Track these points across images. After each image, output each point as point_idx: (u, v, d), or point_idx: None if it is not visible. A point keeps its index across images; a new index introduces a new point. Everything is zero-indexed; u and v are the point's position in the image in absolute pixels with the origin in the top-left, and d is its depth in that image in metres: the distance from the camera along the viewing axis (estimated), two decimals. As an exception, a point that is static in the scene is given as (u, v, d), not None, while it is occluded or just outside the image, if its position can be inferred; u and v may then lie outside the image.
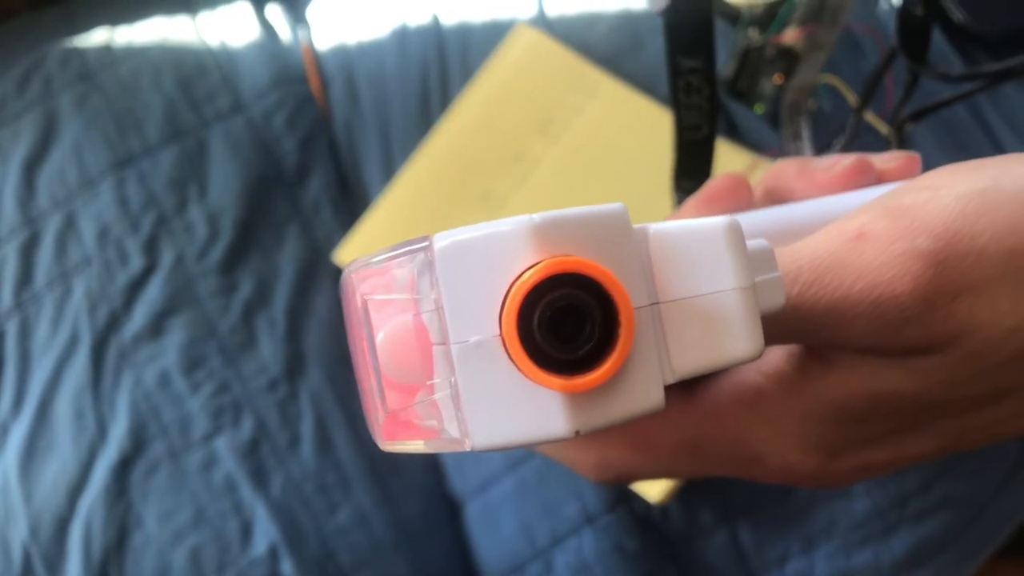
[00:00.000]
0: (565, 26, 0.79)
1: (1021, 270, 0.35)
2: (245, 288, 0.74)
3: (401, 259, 0.31)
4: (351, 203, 0.79)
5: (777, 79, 0.70)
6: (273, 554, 0.69)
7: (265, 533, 0.70)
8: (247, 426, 0.72)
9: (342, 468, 0.71)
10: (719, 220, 0.30)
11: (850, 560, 0.69)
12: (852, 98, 0.69)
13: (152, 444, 0.71)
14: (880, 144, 0.61)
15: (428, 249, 0.29)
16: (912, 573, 0.69)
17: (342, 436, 0.72)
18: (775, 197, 0.49)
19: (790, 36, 0.69)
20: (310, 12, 0.85)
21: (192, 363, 0.73)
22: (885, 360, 0.38)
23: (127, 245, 0.74)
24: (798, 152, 0.68)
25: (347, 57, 0.82)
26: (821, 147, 0.67)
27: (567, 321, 0.28)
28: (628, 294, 0.28)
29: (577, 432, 0.29)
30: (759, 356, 0.30)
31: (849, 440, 0.42)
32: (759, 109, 0.72)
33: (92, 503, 0.70)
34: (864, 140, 0.67)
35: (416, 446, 0.32)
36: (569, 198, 0.75)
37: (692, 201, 0.48)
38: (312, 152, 0.79)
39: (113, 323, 0.73)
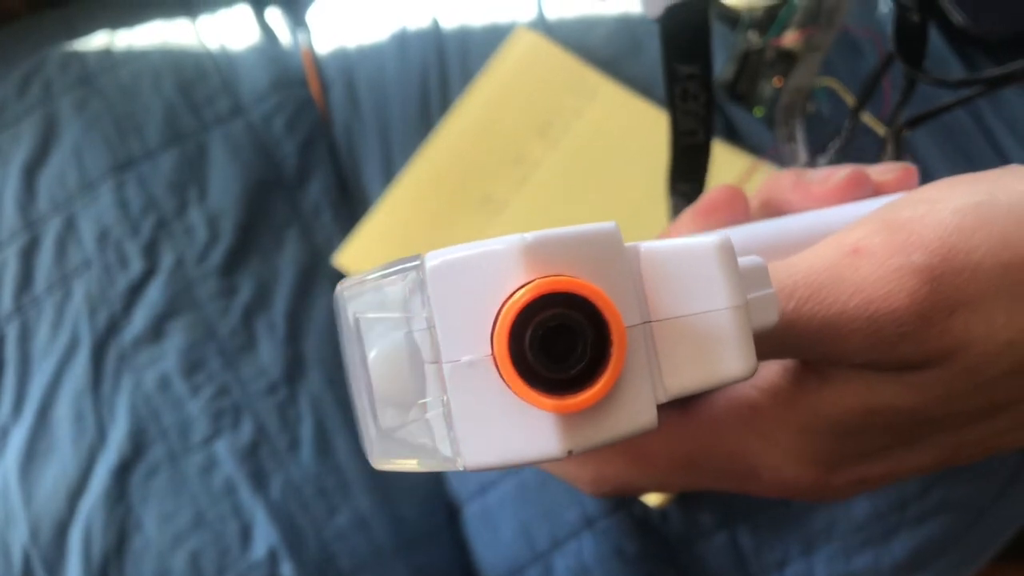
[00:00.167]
0: (564, 29, 0.79)
1: (1016, 284, 0.35)
2: (245, 291, 0.74)
3: (393, 277, 0.30)
4: (351, 206, 0.79)
5: (777, 82, 0.70)
6: (273, 557, 0.69)
7: (265, 536, 0.70)
8: (247, 429, 0.71)
9: (341, 471, 0.71)
10: (710, 239, 0.30)
11: (850, 563, 0.69)
12: (850, 100, 0.68)
13: (152, 447, 0.71)
14: (878, 146, 0.61)
15: (420, 268, 0.29)
16: (912, 577, 0.69)
17: (341, 439, 0.72)
18: (771, 209, 0.48)
19: (790, 39, 0.69)
20: (310, 15, 0.85)
21: (192, 366, 0.72)
22: (881, 375, 0.38)
23: (127, 248, 0.74)
24: (792, 154, 0.67)
25: (347, 60, 0.81)
26: (817, 149, 0.67)
27: (559, 341, 0.28)
28: (620, 313, 0.28)
29: (570, 452, 0.28)
30: (752, 375, 0.30)
31: (845, 454, 0.41)
32: (758, 112, 0.71)
33: (92, 506, 0.70)
34: (862, 142, 0.67)
35: (409, 464, 0.31)
36: (568, 201, 0.75)
37: (688, 213, 0.48)
38: (312, 155, 0.79)
39: (113, 326, 0.73)
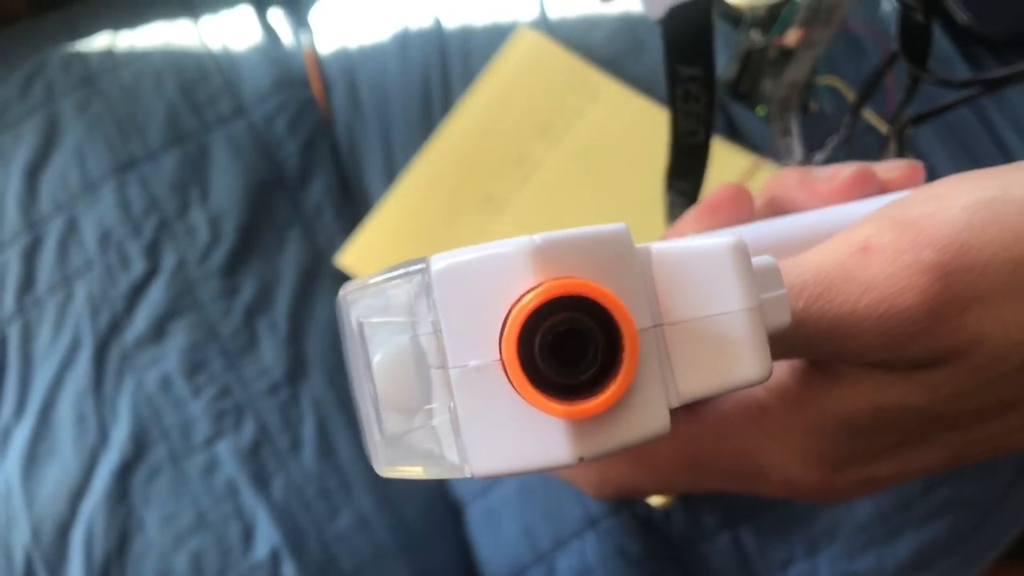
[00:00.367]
0: (567, 29, 0.78)
1: None
2: (247, 291, 0.73)
3: (397, 281, 0.29)
4: (353, 207, 0.78)
5: None
6: (275, 558, 0.68)
7: (267, 537, 0.69)
8: (248, 430, 0.71)
9: (343, 472, 0.70)
10: (724, 240, 0.29)
11: (853, 564, 0.68)
12: (853, 98, 0.68)
13: (153, 448, 0.70)
14: (879, 144, 0.60)
15: (425, 271, 0.28)
16: (916, 577, 0.68)
17: (343, 440, 0.71)
18: (776, 208, 0.48)
19: (792, 37, 0.68)
20: (312, 16, 0.84)
21: (193, 367, 0.72)
22: (891, 374, 0.37)
23: (129, 249, 0.73)
24: (788, 148, 0.67)
25: (349, 61, 0.80)
26: (815, 145, 0.66)
27: (569, 345, 0.27)
28: (631, 316, 0.27)
29: (581, 459, 0.28)
30: (767, 378, 0.29)
31: (853, 454, 0.40)
32: (761, 111, 0.71)
33: (93, 508, 0.69)
34: (864, 140, 0.66)
35: (415, 472, 0.30)
36: (570, 201, 0.74)
37: (692, 212, 0.47)
38: (314, 156, 0.78)
39: (115, 327, 0.72)
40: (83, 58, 0.79)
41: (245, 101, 0.78)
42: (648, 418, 0.28)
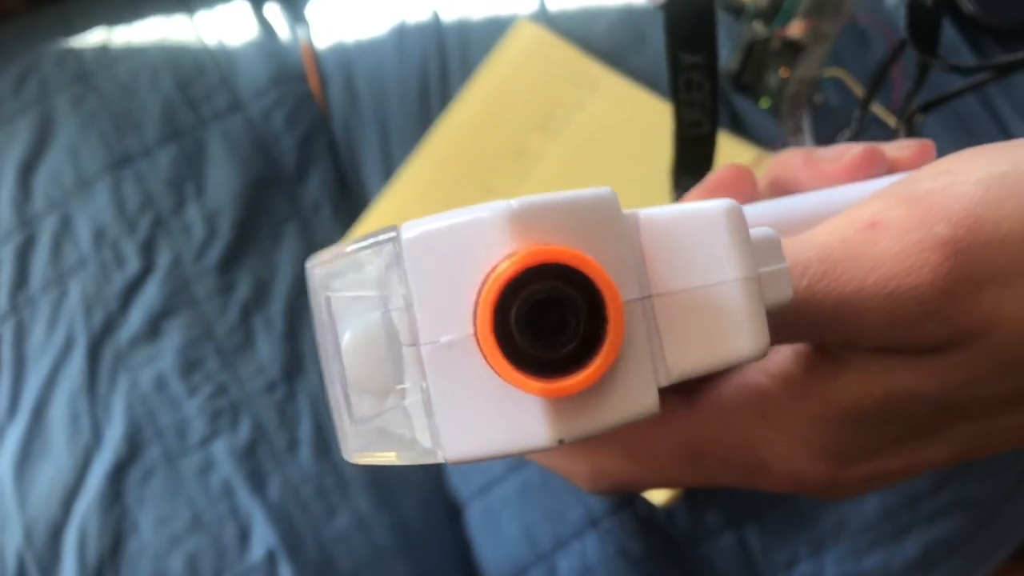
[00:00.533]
0: (566, 21, 0.76)
1: None
2: (243, 288, 0.71)
3: (367, 251, 0.27)
4: (350, 202, 0.76)
5: (783, 72, 0.67)
6: (271, 559, 0.67)
7: (263, 538, 0.67)
8: (244, 429, 0.69)
9: (341, 471, 0.68)
10: (718, 203, 0.27)
11: (860, 563, 0.66)
12: (859, 91, 0.66)
13: (148, 448, 0.68)
14: (888, 137, 0.58)
15: (396, 240, 0.26)
16: (924, 576, 0.66)
17: (340, 439, 0.68)
18: (780, 189, 0.45)
19: (795, 29, 0.66)
20: (309, 10, 0.82)
21: (189, 365, 0.70)
22: (901, 359, 0.34)
23: (123, 246, 0.71)
24: (799, 145, 0.65)
25: (346, 55, 0.79)
26: (824, 141, 0.65)
27: (548, 317, 0.25)
28: (617, 286, 0.25)
29: (561, 441, 0.25)
30: (764, 354, 0.27)
31: (861, 446, 0.38)
32: (764, 103, 0.69)
33: (87, 508, 0.67)
34: (871, 133, 0.64)
35: (387, 458, 0.28)
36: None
37: (693, 193, 0.45)
38: (311, 151, 0.76)
39: (109, 325, 0.70)
40: (78, 54, 0.77)
41: (241, 96, 0.76)
42: (635, 397, 0.26)
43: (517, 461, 0.68)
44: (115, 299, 0.71)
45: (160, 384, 0.69)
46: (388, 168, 0.75)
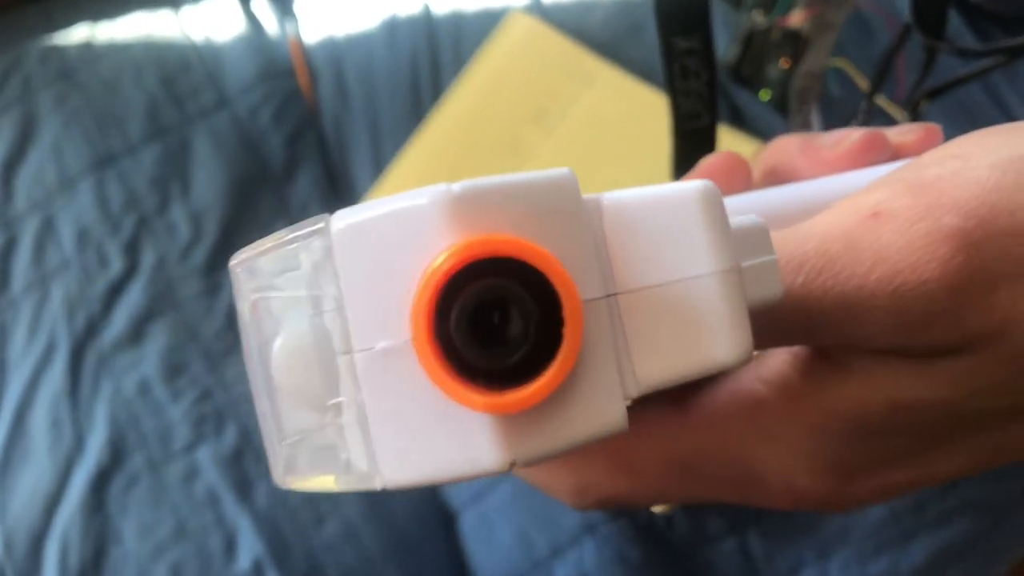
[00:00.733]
0: (560, 13, 0.73)
1: None
2: (229, 290, 0.67)
3: (294, 246, 0.23)
4: (340, 200, 0.73)
5: (784, 63, 0.65)
6: (258, 569, 0.64)
7: (249, 547, 0.64)
8: (230, 435, 0.66)
9: (330, 478, 0.64)
10: (691, 184, 0.22)
11: (865, 569, 0.63)
12: (862, 82, 0.64)
13: (131, 455, 0.66)
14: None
15: (325, 232, 0.22)
16: (932, 581, 0.63)
17: (330, 444, 0.65)
18: (776, 178, 0.42)
19: (796, 18, 0.64)
20: (297, 4, 0.79)
21: (173, 370, 0.67)
22: (908, 363, 0.30)
23: (107, 247, 0.69)
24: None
25: (336, 50, 0.76)
26: (832, 136, 0.61)
27: (495, 320, 0.21)
28: (575, 282, 0.21)
29: (512, 464, 0.21)
30: (746, 360, 0.22)
31: (866, 458, 0.34)
32: (765, 95, 0.67)
33: (69, 517, 0.65)
34: (875, 125, 0.61)
35: (323, 483, 0.24)
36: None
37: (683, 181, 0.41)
38: (299, 148, 0.73)
39: (92, 329, 0.68)
40: (61, 51, 0.75)
41: (228, 93, 0.74)
42: (598, 411, 0.22)
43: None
44: (98, 301, 0.68)
45: (144, 389, 0.67)
46: (379, 165, 0.73)
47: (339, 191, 0.74)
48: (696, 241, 0.22)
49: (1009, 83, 0.65)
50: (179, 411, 0.66)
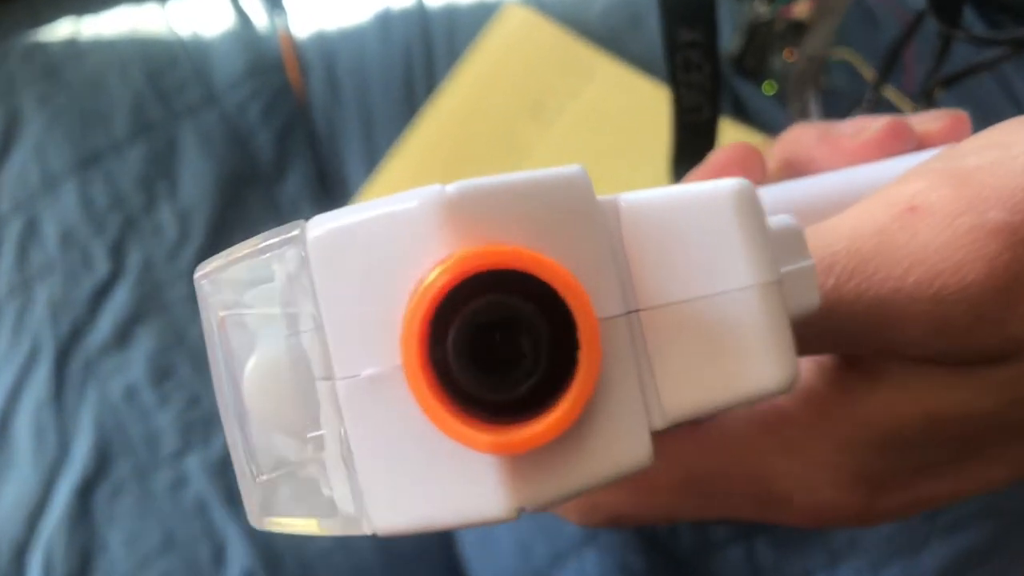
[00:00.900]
0: (557, 4, 0.71)
1: None
2: (215, 294, 0.65)
3: (266, 256, 0.20)
4: (332, 199, 0.71)
5: (787, 55, 0.64)
6: None
7: (239, 558, 0.62)
8: (219, 442, 0.64)
9: (323, 486, 0.62)
10: (726, 184, 0.19)
11: None
12: (868, 73, 0.63)
13: (117, 463, 0.64)
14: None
15: (300, 241, 0.18)
16: (947, 590, 0.61)
17: (323, 451, 0.63)
18: (792, 170, 0.39)
19: (800, 8, 0.63)
20: (287, -3, 0.77)
21: (161, 374, 0.65)
22: (947, 371, 0.28)
23: (92, 249, 0.67)
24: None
25: (327, 44, 0.73)
26: (832, 124, 0.59)
27: (498, 343, 0.17)
28: (591, 299, 0.17)
29: (521, 511, 0.18)
30: (790, 387, 0.19)
31: (899, 471, 0.31)
32: (768, 88, 0.65)
33: (53, 527, 0.63)
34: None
35: (304, 526, 0.21)
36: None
37: (692, 177, 0.38)
38: (290, 146, 0.71)
39: (77, 333, 0.66)
40: (45, 48, 0.73)
41: (215, 89, 0.71)
42: (620, 448, 0.19)
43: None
44: (83, 304, 0.66)
45: (130, 394, 0.65)
46: (371, 162, 0.70)
47: (331, 189, 0.71)
48: (732, 249, 0.19)
49: (1020, 74, 0.63)
50: (167, 417, 0.64)
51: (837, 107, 0.61)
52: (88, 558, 0.62)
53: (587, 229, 0.19)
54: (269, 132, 0.71)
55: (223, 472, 0.63)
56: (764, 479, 0.32)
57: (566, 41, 0.69)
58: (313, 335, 0.19)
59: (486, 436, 0.17)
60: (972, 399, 0.28)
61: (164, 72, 0.71)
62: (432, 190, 0.18)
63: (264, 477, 0.21)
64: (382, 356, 0.18)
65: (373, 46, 0.72)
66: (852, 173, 0.35)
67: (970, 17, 0.64)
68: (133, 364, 0.65)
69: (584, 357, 0.17)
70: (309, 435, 0.20)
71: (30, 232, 0.67)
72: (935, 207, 0.26)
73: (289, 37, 0.74)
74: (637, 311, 0.19)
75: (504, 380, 0.17)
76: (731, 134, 0.63)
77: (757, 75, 0.65)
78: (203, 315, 0.22)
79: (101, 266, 0.67)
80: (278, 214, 0.69)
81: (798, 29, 0.63)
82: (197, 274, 0.22)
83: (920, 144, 0.37)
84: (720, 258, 0.19)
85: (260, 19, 0.75)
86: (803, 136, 0.38)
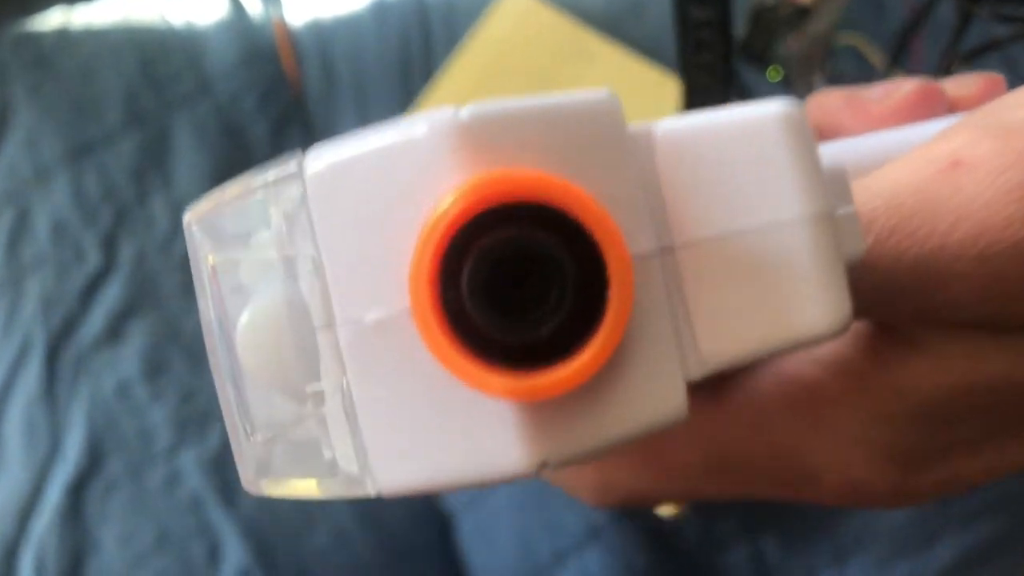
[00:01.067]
0: None
1: None
2: (213, 284, 0.64)
3: (261, 197, 0.18)
4: None
5: (792, 42, 0.63)
6: None
7: (234, 555, 0.62)
8: (214, 437, 0.64)
9: (321, 481, 0.61)
10: (773, 105, 0.17)
11: (886, 573, 0.61)
12: (875, 58, 0.62)
13: (110, 459, 0.64)
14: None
15: (298, 177, 0.17)
16: (959, 585, 0.60)
17: (320, 447, 0.62)
18: (818, 136, 0.36)
19: None
20: (282, -14, 0.77)
21: (154, 369, 0.65)
22: (991, 337, 0.26)
23: (84, 241, 0.67)
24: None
25: (323, 32, 0.73)
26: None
27: (520, 282, 0.16)
28: (622, 233, 0.16)
29: (543, 465, 0.16)
30: (843, 330, 0.17)
31: (933, 446, 0.29)
32: (773, 75, 0.65)
33: (45, 526, 0.63)
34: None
35: (303, 488, 0.19)
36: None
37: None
38: (285, 136, 0.71)
39: (69, 327, 0.66)
40: (36, 37, 0.72)
41: (209, 78, 0.71)
42: (651, 398, 0.17)
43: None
44: (75, 298, 0.66)
45: (123, 389, 0.64)
46: None
47: (327, 179, 0.70)
48: (782, 177, 0.17)
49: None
50: (160, 413, 0.64)
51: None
52: (80, 557, 0.62)
53: (617, 158, 0.17)
54: (264, 122, 0.70)
55: (218, 468, 0.63)
56: (792, 455, 0.30)
57: (566, 26, 0.69)
58: (313, 280, 0.17)
59: (504, 381, 0.15)
60: (1014, 368, 0.26)
61: (157, 62, 0.71)
62: (444, 114, 0.16)
63: (259, 436, 0.19)
64: (388, 299, 0.16)
65: (370, 34, 0.72)
66: (883, 137, 0.33)
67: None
68: (126, 359, 0.65)
69: (615, 296, 0.15)
70: (308, 390, 0.18)
71: (21, 224, 0.67)
72: (980, 161, 0.24)
73: (284, 26, 0.73)
74: (672, 248, 0.17)
75: (524, 321, 0.15)
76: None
77: (763, 60, 0.64)
78: (192, 263, 0.20)
79: (93, 259, 0.66)
80: (273, 206, 0.67)
81: (803, 14, 0.62)
82: (186, 218, 0.20)
83: (952, 109, 0.35)
84: (768, 187, 0.17)
85: (254, 7, 0.75)
86: (828, 101, 0.36)
